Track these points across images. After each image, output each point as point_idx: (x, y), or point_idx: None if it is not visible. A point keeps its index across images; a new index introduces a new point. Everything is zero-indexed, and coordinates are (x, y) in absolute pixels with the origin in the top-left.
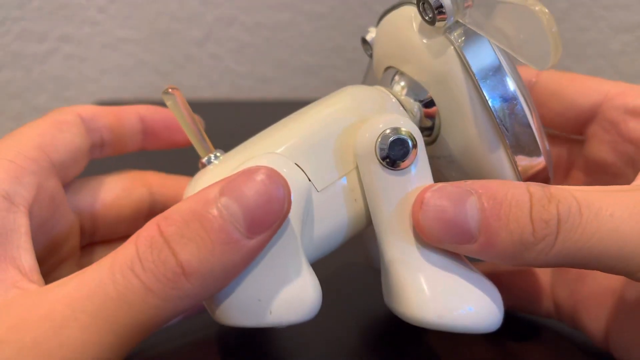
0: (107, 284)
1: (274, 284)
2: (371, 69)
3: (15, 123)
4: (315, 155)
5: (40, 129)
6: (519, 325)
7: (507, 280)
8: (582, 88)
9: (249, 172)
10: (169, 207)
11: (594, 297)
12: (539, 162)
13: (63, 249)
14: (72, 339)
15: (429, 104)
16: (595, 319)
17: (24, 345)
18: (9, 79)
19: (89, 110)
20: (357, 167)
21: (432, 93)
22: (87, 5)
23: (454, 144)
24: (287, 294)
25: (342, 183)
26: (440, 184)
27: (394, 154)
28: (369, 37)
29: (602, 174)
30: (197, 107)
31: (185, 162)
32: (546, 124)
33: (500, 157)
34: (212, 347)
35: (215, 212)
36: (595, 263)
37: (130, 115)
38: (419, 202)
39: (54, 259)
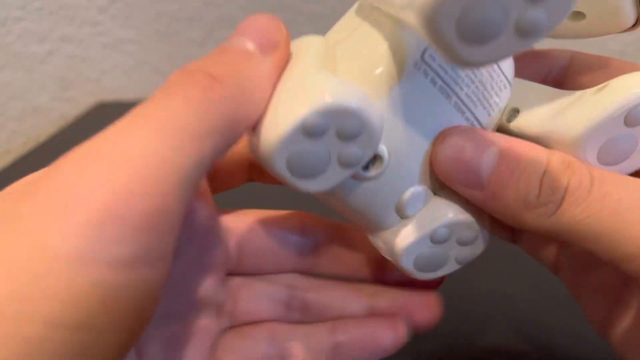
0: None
1: (295, 92)
2: None
3: (16, 123)
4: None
5: None
6: (521, 325)
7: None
8: (626, 63)
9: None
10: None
11: (598, 289)
12: None
13: None
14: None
15: None
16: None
17: None
18: (10, 79)
19: None
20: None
21: None
22: (88, 6)
23: None
24: (305, 92)
25: None
26: (470, 127)
27: None
28: None
29: None
30: None
31: None
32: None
33: None
34: None
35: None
36: (590, 242)
37: None
38: (443, 136)
39: None
